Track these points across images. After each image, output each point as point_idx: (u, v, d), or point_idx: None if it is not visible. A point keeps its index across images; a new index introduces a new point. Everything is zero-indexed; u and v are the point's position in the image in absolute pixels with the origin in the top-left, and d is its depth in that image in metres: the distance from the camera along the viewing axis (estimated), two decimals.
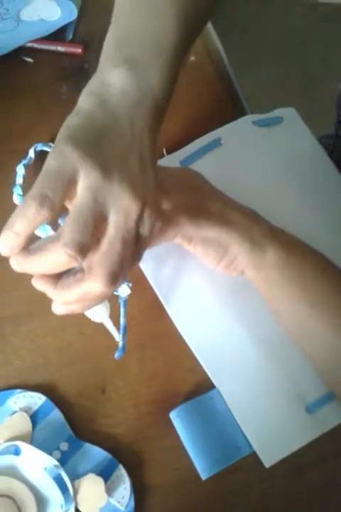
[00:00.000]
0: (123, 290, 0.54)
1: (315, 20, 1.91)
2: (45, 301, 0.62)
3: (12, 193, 0.55)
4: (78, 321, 0.61)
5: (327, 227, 0.64)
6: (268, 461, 0.54)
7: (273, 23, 1.88)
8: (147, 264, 0.62)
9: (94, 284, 0.44)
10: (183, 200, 0.56)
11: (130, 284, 0.54)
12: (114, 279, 0.44)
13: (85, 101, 0.51)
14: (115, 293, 0.54)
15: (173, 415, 0.56)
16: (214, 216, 0.56)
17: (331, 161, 0.70)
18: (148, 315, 0.60)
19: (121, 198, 0.44)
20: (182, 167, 0.64)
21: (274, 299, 0.57)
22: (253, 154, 0.67)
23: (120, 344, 0.55)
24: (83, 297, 0.45)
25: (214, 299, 0.61)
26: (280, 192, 0.65)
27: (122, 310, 0.56)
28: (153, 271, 0.62)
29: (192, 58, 0.77)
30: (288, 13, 1.90)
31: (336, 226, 0.65)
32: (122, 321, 0.56)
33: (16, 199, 0.55)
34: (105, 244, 0.44)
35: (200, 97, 0.76)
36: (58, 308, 0.48)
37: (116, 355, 0.55)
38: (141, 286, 0.61)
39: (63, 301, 0.47)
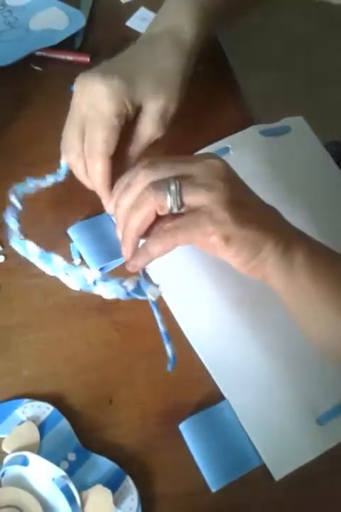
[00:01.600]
0: (153, 292, 0.51)
1: (317, 27, 1.91)
2: (52, 311, 0.62)
3: None
4: (85, 330, 0.61)
5: (336, 236, 0.64)
6: (279, 473, 0.54)
7: (276, 31, 1.89)
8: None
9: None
10: (221, 194, 0.48)
11: (159, 285, 0.51)
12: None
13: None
14: (144, 297, 0.51)
15: (183, 427, 0.56)
16: (253, 213, 0.50)
17: (340, 170, 0.69)
18: (156, 324, 0.60)
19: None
20: (209, 153, 0.56)
21: (298, 305, 0.53)
22: (261, 164, 0.67)
23: (169, 354, 0.52)
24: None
25: (224, 310, 0.60)
26: (289, 202, 0.65)
27: (158, 316, 0.52)
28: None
29: (201, 68, 0.78)
30: (290, 21, 1.90)
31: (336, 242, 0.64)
32: (162, 327, 0.52)
33: (17, 246, 0.54)
34: None
35: (208, 106, 0.76)
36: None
37: (169, 367, 0.52)
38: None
39: None
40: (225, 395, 0.57)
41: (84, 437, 0.56)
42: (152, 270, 0.61)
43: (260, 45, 1.82)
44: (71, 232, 0.65)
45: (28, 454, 0.52)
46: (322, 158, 0.70)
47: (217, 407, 0.57)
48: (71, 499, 0.50)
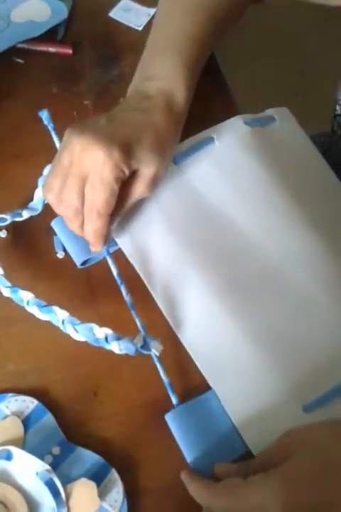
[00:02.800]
0: (156, 347, 0.54)
1: (309, 19, 1.90)
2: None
3: None
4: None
5: (321, 227, 0.64)
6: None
7: (268, 22, 1.88)
8: (142, 267, 0.62)
9: None
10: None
11: (159, 340, 0.54)
12: None
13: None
14: (149, 352, 0.54)
15: (169, 417, 0.55)
16: None
17: (325, 161, 0.69)
18: (141, 317, 0.60)
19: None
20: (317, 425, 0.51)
21: None
22: (246, 153, 0.67)
23: (174, 402, 0.56)
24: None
25: (211, 299, 0.60)
26: (274, 191, 0.65)
27: (160, 367, 0.57)
28: (150, 274, 0.62)
29: None
30: (282, 13, 1.90)
31: (330, 226, 0.64)
32: (165, 378, 0.57)
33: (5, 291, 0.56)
34: None
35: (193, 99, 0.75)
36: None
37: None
38: (137, 289, 0.61)
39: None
40: (211, 383, 0.57)
41: (69, 431, 0.55)
42: (138, 252, 0.62)
43: (249, 36, 1.82)
44: (54, 224, 0.65)
45: (11, 448, 0.52)
46: (306, 147, 0.70)
47: (202, 397, 0.56)
48: (55, 493, 0.50)
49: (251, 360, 0.58)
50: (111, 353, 0.59)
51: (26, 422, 0.55)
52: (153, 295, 0.61)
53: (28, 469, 0.51)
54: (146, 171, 0.59)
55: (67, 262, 0.64)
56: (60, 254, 0.64)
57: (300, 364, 0.58)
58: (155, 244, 0.63)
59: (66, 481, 0.52)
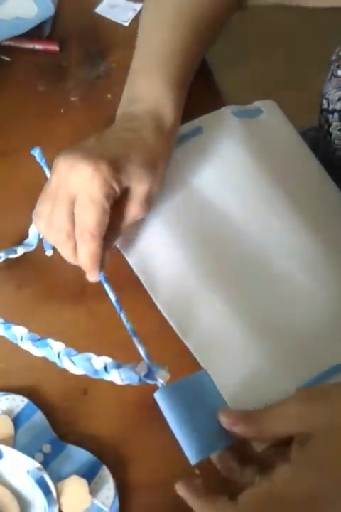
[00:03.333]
0: (163, 376, 0.51)
1: (301, 15, 1.90)
2: (26, 302, 0.62)
3: None
4: (61, 320, 0.61)
5: (309, 216, 0.64)
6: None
7: (258, 19, 1.88)
8: (134, 257, 0.62)
9: None
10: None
11: (166, 368, 0.51)
12: None
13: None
14: (155, 382, 0.51)
15: (158, 395, 0.51)
16: None
17: (311, 152, 0.70)
18: (133, 312, 0.60)
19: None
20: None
21: None
22: (234, 143, 0.67)
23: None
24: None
25: (200, 278, 0.60)
26: (262, 181, 0.65)
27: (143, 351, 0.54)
28: (141, 266, 0.62)
29: None
30: (272, 9, 1.89)
31: (317, 215, 0.65)
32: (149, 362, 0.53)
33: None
34: None
35: None
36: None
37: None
38: (129, 284, 0.61)
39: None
40: (203, 364, 0.57)
41: (60, 429, 0.55)
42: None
43: (239, 32, 1.81)
44: None
45: (2, 447, 0.52)
46: (294, 140, 0.70)
47: (193, 376, 0.54)
48: (46, 491, 0.50)
49: (243, 340, 0.58)
50: (102, 349, 0.58)
51: (17, 420, 0.55)
52: (145, 286, 0.61)
53: (19, 468, 0.51)
54: (139, 188, 0.57)
55: (57, 260, 0.63)
56: (49, 253, 0.64)
57: (293, 345, 0.58)
58: (145, 233, 0.63)
59: (57, 478, 0.52)
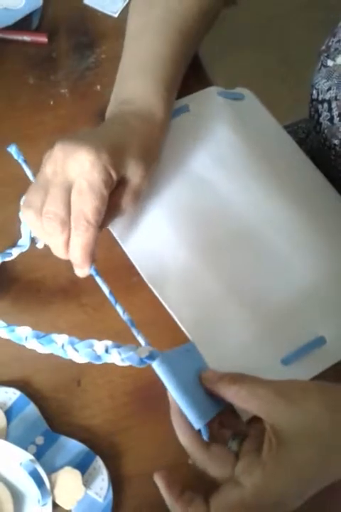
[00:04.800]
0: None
1: (292, 6, 1.91)
2: (17, 296, 0.61)
3: None
4: (52, 313, 0.61)
5: (292, 194, 0.65)
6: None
7: (251, 10, 1.88)
8: (134, 253, 0.62)
9: None
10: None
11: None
12: None
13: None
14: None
15: (157, 363, 0.50)
16: None
17: (289, 136, 0.71)
18: (127, 302, 0.59)
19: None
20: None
21: None
22: (221, 121, 0.68)
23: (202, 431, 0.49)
24: None
25: (189, 255, 0.60)
26: (247, 157, 0.66)
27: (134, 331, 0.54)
28: (139, 256, 0.62)
29: None
30: (263, 2, 1.90)
31: (300, 195, 0.66)
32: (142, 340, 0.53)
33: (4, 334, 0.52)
34: None
35: None
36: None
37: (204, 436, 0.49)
38: (123, 272, 0.61)
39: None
40: (189, 336, 0.57)
41: (52, 420, 0.55)
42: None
43: (232, 23, 1.81)
44: None
45: None
46: (275, 124, 0.71)
47: (183, 347, 0.54)
48: (40, 482, 0.50)
49: (229, 312, 0.58)
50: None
51: (9, 413, 0.54)
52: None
53: (12, 460, 0.51)
54: (133, 179, 0.57)
55: (47, 252, 0.63)
56: (40, 245, 0.63)
57: (278, 317, 0.59)
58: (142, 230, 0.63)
59: (50, 470, 0.52)
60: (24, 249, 0.62)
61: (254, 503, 0.46)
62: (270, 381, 0.49)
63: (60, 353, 0.50)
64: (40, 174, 0.55)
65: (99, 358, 0.49)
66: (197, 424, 0.49)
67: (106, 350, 0.49)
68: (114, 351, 0.48)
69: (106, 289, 0.56)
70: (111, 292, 0.55)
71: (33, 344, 0.51)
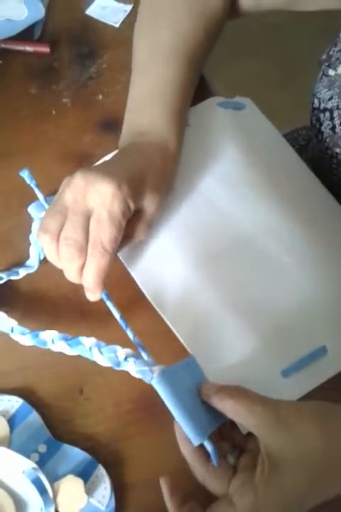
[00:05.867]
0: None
1: (291, 14, 1.91)
2: (18, 303, 0.62)
3: None
4: (53, 321, 0.61)
5: (292, 205, 0.65)
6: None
7: (250, 18, 1.89)
8: (131, 262, 0.62)
9: None
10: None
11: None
12: None
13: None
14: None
15: (157, 381, 0.50)
16: None
17: (290, 146, 0.71)
18: (129, 311, 0.60)
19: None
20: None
21: None
22: (220, 135, 0.68)
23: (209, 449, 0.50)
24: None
25: (187, 267, 0.61)
26: (247, 169, 0.66)
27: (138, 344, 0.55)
28: (136, 266, 0.62)
29: None
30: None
31: (300, 205, 0.66)
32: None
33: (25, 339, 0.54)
34: None
35: None
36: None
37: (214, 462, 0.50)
38: (123, 280, 0.61)
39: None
40: (190, 350, 0.57)
41: (55, 429, 0.55)
42: None
43: (231, 31, 1.82)
44: (31, 210, 0.64)
45: None
46: (275, 134, 0.72)
47: (183, 362, 0.54)
48: (42, 491, 0.50)
49: (229, 325, 0.58)
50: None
51: (12, 421, 0.55)
52: (138, 283, 0.61)
53: (15, 468, 0.51)
54: (148, 210, 0.58)
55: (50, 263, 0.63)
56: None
57: (278, 328, 0.58)
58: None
59: (53, 478, 0.52)
60: (32, 271, 0.62)
61: None
62: (268, 400, 0.49)
63: (87, 354, 0.52)
64: (59, 200, 0.56)
65: (119, 363, 0.51)
66: (196, 441, 0.49)
67: (125, 358, 0.50)
68: (131, 361, 0.50)
69: (117, 314, 0.56)
70: (121, 317, 0.56)
71: (61, 346, 0.53)
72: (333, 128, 0.70)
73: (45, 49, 0.77)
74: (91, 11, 0.82)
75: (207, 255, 0.61)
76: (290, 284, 0.61)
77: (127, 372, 0.52)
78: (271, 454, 0.47)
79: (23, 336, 0.54)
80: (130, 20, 0.80)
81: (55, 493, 0.51)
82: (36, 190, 0.62)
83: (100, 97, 0.74)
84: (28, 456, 0.52)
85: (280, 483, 0.47)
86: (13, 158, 0.68)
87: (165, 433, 0.53)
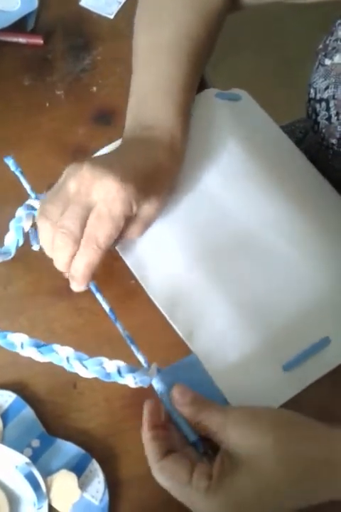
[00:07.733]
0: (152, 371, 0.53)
1: (288, 5, 1.90)
2: (12, 298, 0.61)
3: None
4: (47, 316, 0.61)
5: (292, 197, 0.65)
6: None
7: (250, 10, 1.89)
8: (129, 255, 0.62)
9: None
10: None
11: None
12: None
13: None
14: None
15: (156, 380, 0.53)
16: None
17: (287, 137, 0.71)
18: (122, 307, 0.59)
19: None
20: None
21: None
22: (218, 126, 0.68)
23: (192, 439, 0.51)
24: None
25: (187, 262, 0.60)
26: (246, 161, 0.66)
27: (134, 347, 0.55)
28: (134, 260, 0.62)
29: None
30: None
31: (300, 196, 0.66)
32: (141, 357, 0.54)
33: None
34: None
35: None
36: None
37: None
38: (120, 275, 0.61)
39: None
40: (191, 347, 0.57)
41: (48, 423, 0.55)
42: None
43: (231, 23, 1.82)
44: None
45: None
46: (272, 125, 0.71)
47: (184, 360, 0.56)
48: (35, 485, 0.50)
49: (229, 319, 0.58)
50: (90, 345, 0.59)
51: (5, 416, 0.54)
52: (137, 277, 0.61)
53: (8, 463, 0.51)
54: (148, 210, 0.58)
55: (43, 254, 0.63)
56: (35, 247, 0.63)
57: (279, 322, 0.58)
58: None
59: (46, 473, 0.51)
60: (8, 258, 0.61)
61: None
62: (228, 410, 0.50)
63: (62, 364, 0.51)
64: (62, 188, 0.56)
65: (108, 375, 0.51)
66: (192, 437, 0.50)
67: (119, 372, 0.50)
68: (129, 376, 0.50)
69: (106, 306, 0.56)
70: (111, 310, 0.56)
71: (31, 352, 0.51)
72: (329, 118, 0.70)
73: (39, 41, 0.76)
74: (86, 3, 0.81)
75: (207, 251, 0.61)
76: (291, 276, 0.61)
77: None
78: (229, 452, 0.48)
79: None
80: (125, 11, 0.80)
81: (49, 488, 0.51)
82: (21, 178, 0.62)
83: (94, 89, 0.74)
84: (21, 451, 0.52)
85: (231, 480, 0.47)
86: (5, 150, 0.67)
87: None
